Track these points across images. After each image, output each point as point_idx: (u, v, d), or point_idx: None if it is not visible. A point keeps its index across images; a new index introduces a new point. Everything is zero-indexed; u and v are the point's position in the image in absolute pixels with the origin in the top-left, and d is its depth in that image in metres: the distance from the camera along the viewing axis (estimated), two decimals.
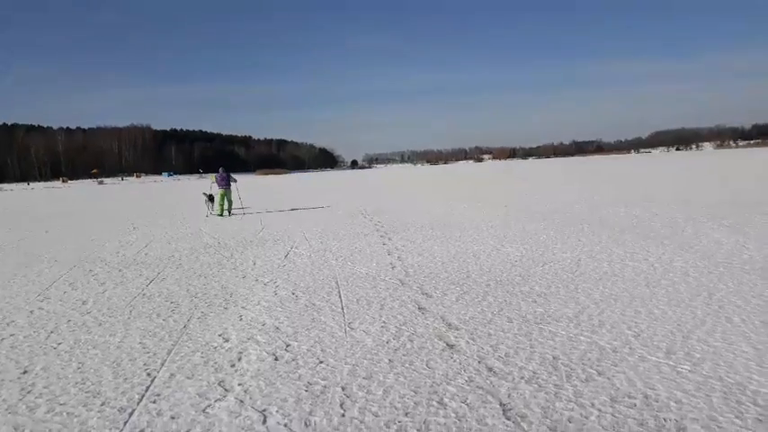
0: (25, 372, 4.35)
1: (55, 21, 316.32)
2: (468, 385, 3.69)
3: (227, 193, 17.79)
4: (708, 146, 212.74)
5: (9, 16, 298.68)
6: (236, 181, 18.37)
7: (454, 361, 4.11)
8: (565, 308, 5.38)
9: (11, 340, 5.21)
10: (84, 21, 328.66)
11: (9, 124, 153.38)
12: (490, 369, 3.93)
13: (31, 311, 6.26)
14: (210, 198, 18.22)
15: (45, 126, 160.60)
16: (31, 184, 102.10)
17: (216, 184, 17.89)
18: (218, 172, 18.03)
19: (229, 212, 17.97)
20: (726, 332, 4.46)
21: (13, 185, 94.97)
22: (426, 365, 4.05)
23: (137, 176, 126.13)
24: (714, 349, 4.11)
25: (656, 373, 3.74)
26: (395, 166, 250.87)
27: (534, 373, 3.84)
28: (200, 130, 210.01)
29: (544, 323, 4.92)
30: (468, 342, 4.51)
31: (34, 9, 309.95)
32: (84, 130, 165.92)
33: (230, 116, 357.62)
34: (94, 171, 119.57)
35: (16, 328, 5.60)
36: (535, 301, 5.65)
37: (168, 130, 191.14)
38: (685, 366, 3.83)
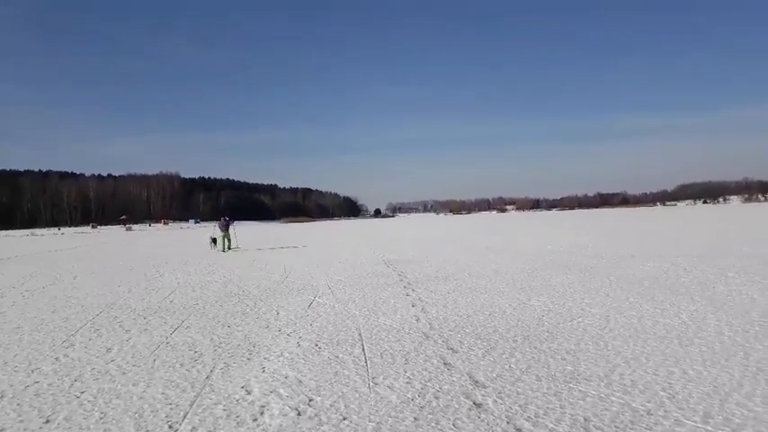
0: (48, 421, 4.33)
1: (87, 71, 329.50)
2: None
3: (226, 235, 24.06)
4: (735, 199, 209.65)
5: (44, 65, 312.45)
6: (234, 225, 25.25)
7: (482, 421, 4.00)
8: (595, 366, 5.23)
9: (35, 387, 5.22)
10: (113, 70, 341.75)
11: (44, 171, 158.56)
12: (519, 430, 3.81)
13: (57, 358, 6.29)
14: (214, 240, 24.46)
15: (78, 173, 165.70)
16: (61, 229, 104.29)
17: (218, 228, 24.51)
18: (220, 220, 24.92)
19: (229, 248, 23.98)
20: (766, 396, 4.27)
21: (45, 230, 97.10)
22: (453, 425, 3.94)
23: (164, 223, 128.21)
24: (755, 414, 3.93)
25: None
26: (418, 215, 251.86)
27: None
28: (228, 179, 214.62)
29: (574, 382, 4.78)
30: (495, 401, 4.39)
31: (65, 58, 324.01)
32: (114, 177, 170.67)
33: (257, 164, 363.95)
34: (123, 217, 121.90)
35: (41, 375, 5.62)
36: (564, 359, 5.51)
37: (197, 178, 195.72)
38: None
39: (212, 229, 24.99)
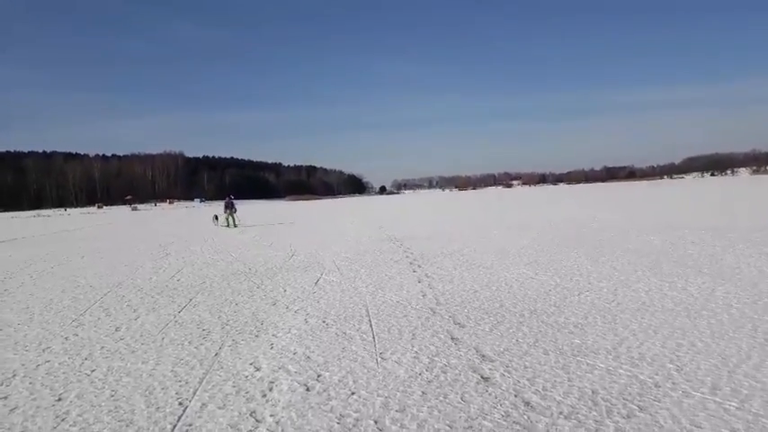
0: (60, 399, 4.38)
1: (91, 51, 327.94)
2: (505, 420, 3.58)
3: (231, 213, 26.24)
4: (743, 171, 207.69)
5: (46, 48, 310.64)
6: (236, 210, 27.01)
7: (489, 394, 4.01)
8: (602, 339, 5.23)
9: (46, 366, 5.27)
10: (115, 51, 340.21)
11: (48, 152, 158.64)
12: (527, 403, 3.82)
13: (66, 338, 6.34)
14: (216, 217, 27.21)
15: (82, 153, 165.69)
16: (67, 209, 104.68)
17: (223, 206, 26.96)
18: (226, 199, 27.22)
19: (235, 225, 25.84)
20: None
21: (51, 211, 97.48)
22: (461, 399, 3.95)
23: (169, 202, 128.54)
24: (763, 385, 3.93)
25: (702, 410, 3.59)
26: (423, 191, 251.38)
27: (573, 408, 3.72)
28: (232, 157, 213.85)
29: (582, 355, 4.79)
30: (503, 375, 4.40)
31: (68, 39, 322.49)
32: (119, 157, 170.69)
33: (261, 143, 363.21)
34: (128, 197, 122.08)
35: (52, 355, 5.67)
36: (572, 333, 5.51)
37: (201, 157, 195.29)
38: (733, 403, 3.67)
39: (209, 207, 28.32)
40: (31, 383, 4.79)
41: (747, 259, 9.41)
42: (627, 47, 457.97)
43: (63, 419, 3.97)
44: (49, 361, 5.45)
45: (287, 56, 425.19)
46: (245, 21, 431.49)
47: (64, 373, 5.05)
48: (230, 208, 26.23)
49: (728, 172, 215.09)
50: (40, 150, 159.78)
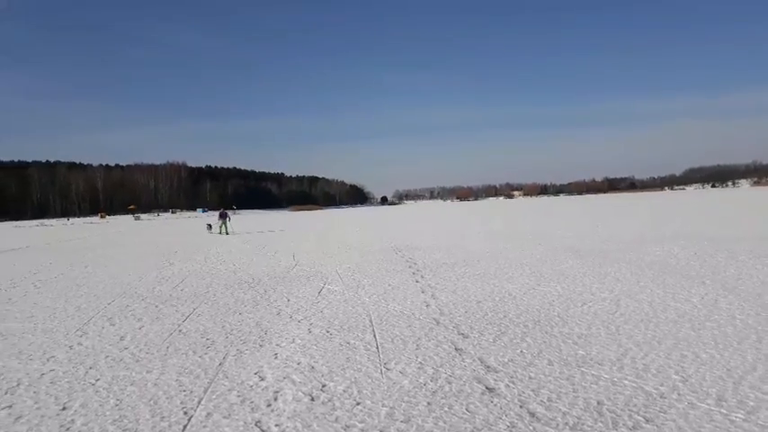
0: (64, 408, 4.38)
1: (91, 61, 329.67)
2: (511, 431, 3.58)
3: (224, 223, 30.06)
4: (744, 183, 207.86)
5: (50, 56, 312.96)
6: (230, 218, 31.32)
7: (495, 405, 4.00)
8: (607, 350, 5.22)
9: (51, 375, 5.27)
10: (118, 60, 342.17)
11: (52, 161, 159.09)
12: (532, 414, 3.82)
13: (71, 347, 6.34)
14: (209, 226, 31.16)
15: (85, 163, 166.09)
16: (70, 219, 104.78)
17: (217, 218, 31.11)
18: (220, 210, 32.16)
19: (226, 233, 29.66)
20: None
21: (54, 221, 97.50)
22: (466, 409, 3.95)
23: (172, 212, 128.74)
24: None
25: (708, 422, 3.58)
26: (425, 202, 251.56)
27: (579, 419, 3.71)
28: (234, 167, 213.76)
29: (586, 366, 4.78)
30: (508, 385, 4.39)
31: (71, 48, 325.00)
32: (122, 167, 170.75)
33: (264, 153, 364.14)
34: (131, 207, 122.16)
35: (56, 364, 5.67)
36: (576, 343, 5.51)
37: (203, 167, 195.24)
38: (739, 415, 3.66)
39: (210, 218, 32.25)
40: (35, 392, 4.79)
41: (750, 270, 9.40)
42: (629, 57, 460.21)
43: (68, 429, 3.97)
44: (53, 370, 5.45)
45: (292, 66, 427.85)
46: (250, 31, 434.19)
47: (68, 382, 5.05)
48: (224, 218, 30.38)
49: (729, 183, 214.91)
50: (44, 160, 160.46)
